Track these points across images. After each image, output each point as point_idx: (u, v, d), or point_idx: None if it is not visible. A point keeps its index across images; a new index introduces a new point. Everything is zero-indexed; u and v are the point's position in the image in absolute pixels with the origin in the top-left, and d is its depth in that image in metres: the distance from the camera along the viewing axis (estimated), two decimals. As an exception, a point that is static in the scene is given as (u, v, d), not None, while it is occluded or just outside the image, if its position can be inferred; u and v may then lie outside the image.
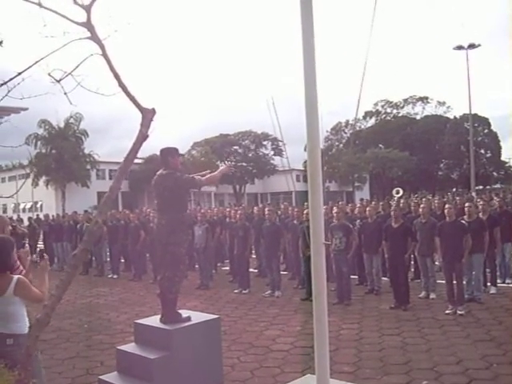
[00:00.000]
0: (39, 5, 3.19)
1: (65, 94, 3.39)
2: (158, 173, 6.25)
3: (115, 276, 15.99)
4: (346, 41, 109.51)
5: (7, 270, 4.35)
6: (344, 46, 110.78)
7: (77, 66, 3.22)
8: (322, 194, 4.57)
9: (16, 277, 4.32)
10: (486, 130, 76.85)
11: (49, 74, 3.29)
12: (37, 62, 3.20)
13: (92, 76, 3.50)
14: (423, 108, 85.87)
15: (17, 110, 16.40)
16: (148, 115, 3.22)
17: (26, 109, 18.52)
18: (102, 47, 3.20)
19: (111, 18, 3.18)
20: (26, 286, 4.29)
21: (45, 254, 4.56)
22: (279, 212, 16.92)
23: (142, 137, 3.18)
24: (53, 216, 21.68)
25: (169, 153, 6.28)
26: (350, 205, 17.43)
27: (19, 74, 3.31)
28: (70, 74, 3.25)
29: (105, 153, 63.29)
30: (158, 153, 6.40)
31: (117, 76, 3.22)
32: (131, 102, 3.26)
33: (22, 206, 65.02)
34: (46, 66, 3.26)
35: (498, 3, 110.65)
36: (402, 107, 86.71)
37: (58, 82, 3.29)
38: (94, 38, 3.17)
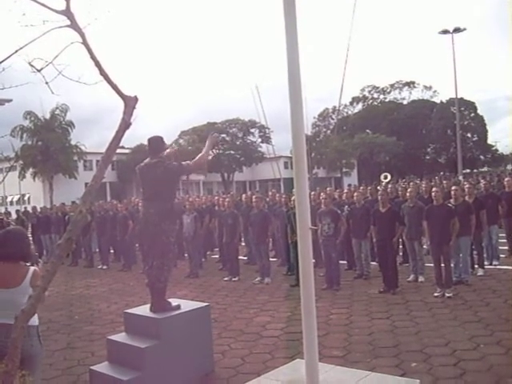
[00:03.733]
0: (18, -7, 3.15)
1: (46, 83, 3.36)
2: (145, 161, 6.23)
3: (105, 267, 15.96)
4: (332, 27, 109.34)
5: (23, 261, 4.35)
6: (331, 32, 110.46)
7: (57, 55, 3.19)
8: (307, 180, 4.57)
9: (32, 268, 4.33)
10: (472, 114, 77.06)
11: (29, 64, 3.25)
12: (16, 51, 3.16)
13: (74, 65, 3.47)
14: (410, 93, 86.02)
15: (1, 102, 16.26)
16: (130, 103, 3.19)
17: (10, 100, 18.37)
18: (83, 35, 3.17)
19: (91, 6, 3.15)
20: (39, 278, 4.29)
21: (39, 260, 4.57)
22: (267, 199, 16.94)
23: (125, 125, 3.16)
24: (40, 208, 21.56)
25: (158, 141, 6.28)
26: (337, 190, 17.45)
27: (-1, 63, 3.27)
28: (50, 63, 3.21)
29: (94, 143, 62.89)
30: (146, 142, 6.39)
31: (98, 64, 3.19)
32: (113, 91, 3.24)
33: (9, 199, 64.51)
34: (26, 56, 3.23)
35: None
36: (389, 92, 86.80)
37: (39, 71, 3.26)
38: (74, 26, 3.13)
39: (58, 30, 3.21)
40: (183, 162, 6.22)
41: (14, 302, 4.12)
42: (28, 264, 4.40)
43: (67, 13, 3.12)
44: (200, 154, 6.35)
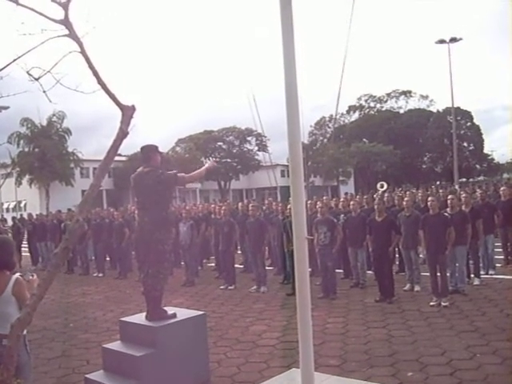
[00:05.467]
0: (16, 2, 3.17)
1: (44, 92, 3.37)
2: (139, 170, 6.22)
3: (100, 274, 15.92)
4: (329, 36, 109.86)
5: (6, 269, 4.31)
6: (328, 40, 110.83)
7: (55, 64, 3.20)
8: (303, 189, 4.59)
9: (15, 276, 4.28)
10: (468, 123, 77.35)
11: (27, 73, 3.27)
12: (15, 60, 3.18)
13: (72, 73, 3.48)
14: (406, 102, 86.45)
15: (-2, 109, 16.28)
16: (128, 112, 3.20)
17: (7, 107, 18.42)
18: (81, 45, 3.18)
19: (89, 15, 3.17)
20: (24, 286, 4.25)
21: (31, 277, 4.48)
22: (264, 207, 16.94)
23: (123, 134, 3.17)
24: (36, 215, 21.52)
25: (150, 150, 6.28)
26: (334, 199, 17.47)
27: (-2, 72, 3.29)
28: (48, 71, 3.23)
29: (92, 151, 63.08)
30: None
31: (96, 73, 3.20)
32: (111, 100, 3.25)
33: (5, 206, 64.38)
34: (24, 65, 3.24)
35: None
36: (386, 101, 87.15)
37: (37, 80, 3.27)
38: (72, 35, 3.15)
39: (56, 38, 3.22)
40: (179, 174, 6.22)
41: None
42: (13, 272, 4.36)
43: (65, 22, 3.14)
44: (196, 171, 6.50)
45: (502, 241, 12.77)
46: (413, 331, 7.87)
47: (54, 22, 3.17)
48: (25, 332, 4.27)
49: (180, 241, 13.34)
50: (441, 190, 20.60)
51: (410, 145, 76.89)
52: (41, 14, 3.13)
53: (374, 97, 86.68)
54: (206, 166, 6.64)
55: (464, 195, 11.92)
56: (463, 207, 10.90)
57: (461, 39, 39.53)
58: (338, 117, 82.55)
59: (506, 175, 76.72)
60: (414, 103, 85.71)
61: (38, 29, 3.16)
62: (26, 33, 3.16)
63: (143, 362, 5.65)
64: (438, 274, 9.50)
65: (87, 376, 6.06)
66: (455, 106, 46.12)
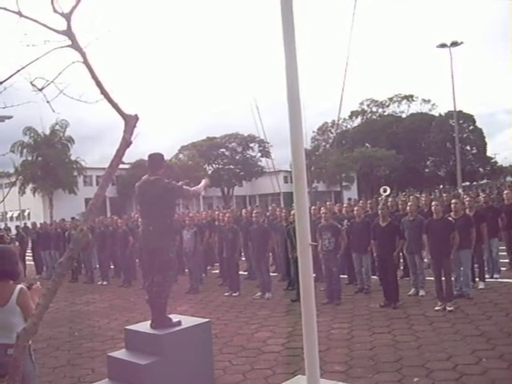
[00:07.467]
0: (19, 14, 3.19)
1: (47, 102, 3.38)
2: (144, 178, 6.22)
3: (105, 282, 15.92)
4: (331, 41, 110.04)
5: (10, 279, 4.31)
6: (329, 46, 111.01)
7: (58, 75, 3.21)
8: (307, 196, 4.59)
9: (19, 286, 4.27)
10: (471, 127, 77.37)
11: (31, 83, 3.28)
12: (18, 71, 3.19)
13: (75, 83, 3.49)
14: (408, 106, 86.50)
15: (1, 119, 16.34)
16: (131, 121, 3.21)
17: (10, 117, 18.47)
18: (84, 55, 3.19)
19: (92, 26, 3.18)
20: (28, 296, 4.24)
21: (35, 285, 4.48)
22: (267, 214, 16.93)
23: (126, 143, 3.17)
24: (40, 224, 21.54)
25: (158, 158, 6.30)
26: (337, 204, 17.45)
27: (1, 83, 3.30)
28: (51, 82, 3.24)
29: (96, 159, 63.28)
30: (146, 157, 6.40)
31: (99, 83, 3.21)
32: (114, 109, 3.25)
33: (9, 215, 64.56)
34: (27, 75, 3.26)
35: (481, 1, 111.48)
36: (388, 106, 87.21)
37: (40, 90, 3.28)
38: (75, 46, 3.16)
39: (59, 49, 3.24)
40: (184, 186, 6.25)
41: (1, 322, 4.10)
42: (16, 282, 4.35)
43: (68, 33, 3.16)
44: (197, 187, 6.59)
45: (506, 244, 12.72)
46: (418, 336, 7.85)
47: (57, 32, 3.18)
48: (30, 341, 4.28)
49: (184, 248, 13.36)
50: (444, 194, 20.49)
51: (412, 149, 76.88)
52: (44, 25, 3.15)
53: (376, 101, 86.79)
54: (203, 183, 6.77)
55: (468, 199, 11.91)
56: (467, 211, 10.88)
57: (462, 43, 39.62)
58: (340, 122, 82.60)
59: (509, 178, 76.55)
60: (416, 107, 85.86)
61: (41, 40, 3.18)
62: (29, 44, 3.18)
63: (148, 371, 5.64)
64: (443, 278, 9.48)
65: (93, 385, 6.06)
66: (457, 109, 46.12)
